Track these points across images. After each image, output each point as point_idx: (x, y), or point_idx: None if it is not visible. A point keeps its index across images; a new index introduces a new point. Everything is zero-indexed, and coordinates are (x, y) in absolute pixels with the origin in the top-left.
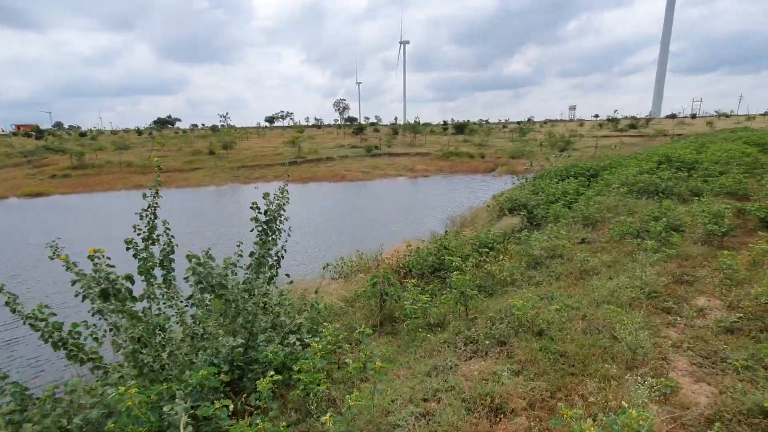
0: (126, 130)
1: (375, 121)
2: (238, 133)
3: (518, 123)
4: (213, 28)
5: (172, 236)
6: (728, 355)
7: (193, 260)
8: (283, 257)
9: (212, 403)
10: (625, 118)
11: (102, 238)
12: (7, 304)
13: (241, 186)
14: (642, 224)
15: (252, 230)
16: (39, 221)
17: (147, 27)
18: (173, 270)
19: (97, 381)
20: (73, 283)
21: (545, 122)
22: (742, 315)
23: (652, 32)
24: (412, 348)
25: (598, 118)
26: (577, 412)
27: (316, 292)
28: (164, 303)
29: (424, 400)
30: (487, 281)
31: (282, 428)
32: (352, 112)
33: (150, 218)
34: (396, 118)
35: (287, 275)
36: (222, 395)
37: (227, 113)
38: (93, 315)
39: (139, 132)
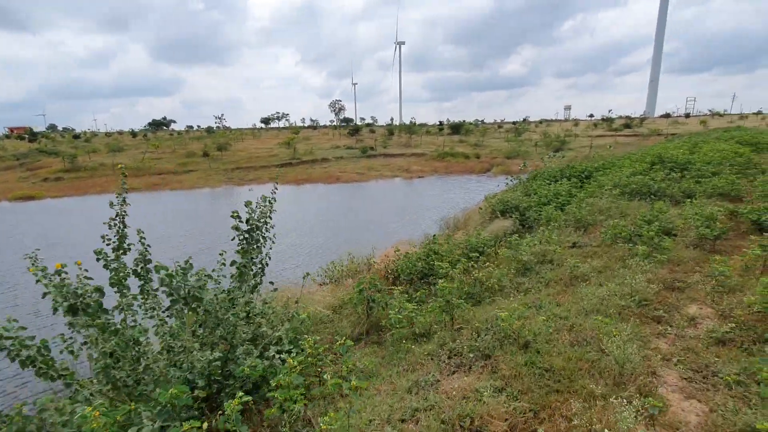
0: (120, 132)
1: (371, 121)
2: (233, 134)
3: (514, 123)
4: (209, 28)
5: (148, 245)
6: (720, 369)
7: (162, 271)
8: (267, 264)
9: (181, 423)
10: (620, 117)
11: (92, 243)
12: None
13: (235, 188)
14: (634, 228)
15: (233, 239)
16: (31, 225)
17: (142, 28)
18: (151, 280)
19: (68, 398)
20: (44, 295)
21: (541, 122)
22: (734, 325)
23: (646, 32)
24: (396, 360)
25: (593, 118)
26: None
27: (296, 302)
28: (143, 314)
29: (402, 421)
30: (476, 288)
31: None
32: (349, 113)
33: (119, 227)
34: (392, 119)
35: (271, 283)
36: (197, 412)
37: (222, 114)
38: (70, 328)
39: (133, 134)
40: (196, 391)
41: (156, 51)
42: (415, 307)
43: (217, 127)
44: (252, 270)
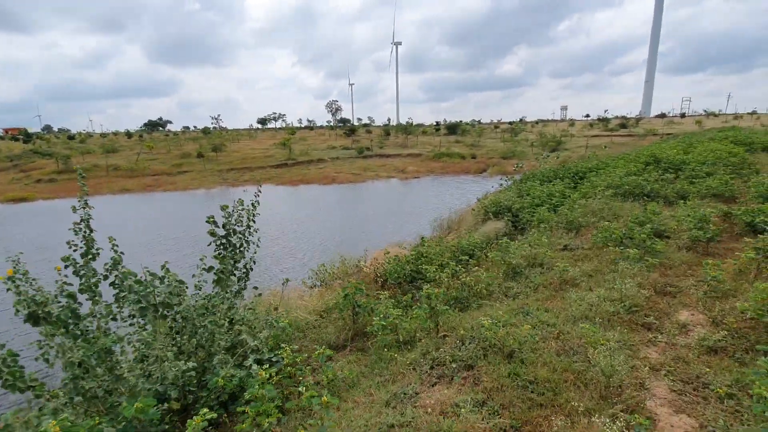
0: (116, 133)
1: (368, 122)
2: (229, 135)
3: (510, 123)
4: (205, 29)
5: (122, 252)
6: (711, 381)
7: (129, 277)
8: (252, 269)
9: None
10: (616, 117)
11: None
12: None
13: (230, 189)
14: (626, 230)
15: (210, 244)
16: (21, 227)
17: (138, 29)
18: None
19: (37, 411)
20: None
21: (537, 122)
22: (726, 333)
23: (642, 32)
24: (378, 369)
25: (589, 118)
26: None
27: (275, 309)
28: (123, 322)
29: None
30: (463, 293)
31: None
32: (345, 114)
33: (84, 232)
34: (389, 119)
35: (255, 288)
36: (167, 426)
37: (219, 115)
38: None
39: (128, 135)
40: (169, 403)
41: (152, 52)
42: (401, 313)
43: (214, 128)
44: (235, 275)
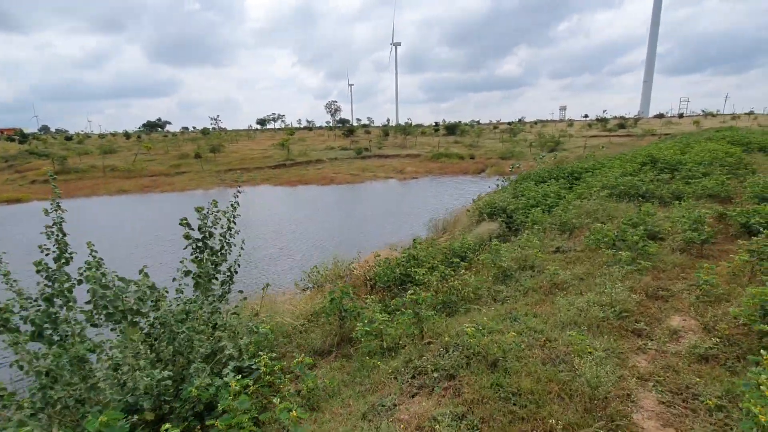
0: (114, 134)
1: (367, 122)
2: (228, 135)
3: (509, 124)
4: (205, 29)
5: (101, 258)
6: (701, 391)
7: (93, 281)
8: (236, 272)
9: None
10: (614, 118)
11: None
12: None
13: (227, 189)
14: (619, 232)
15: (185, 248)
16: (23, 228)
17: (138, 29)
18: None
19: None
20: None
21: (536, 122)
22: (718, 339)
23: (640, 33)
24: (360, 378)
25: (587, 118)
26: None
27: (256, 314)
28: (103, 329)
29: None
30: (452, 297)
31: None
32: (345, 114)
33: (57, 236)
34: (388, 120)
35: (240, 291)
36: None
37: (218, 116)
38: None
39: (127, 135)
40: (141, 414)
41: (152, 52)
42: (386, 318)
43: (213, 128)
44: (217, 278)
